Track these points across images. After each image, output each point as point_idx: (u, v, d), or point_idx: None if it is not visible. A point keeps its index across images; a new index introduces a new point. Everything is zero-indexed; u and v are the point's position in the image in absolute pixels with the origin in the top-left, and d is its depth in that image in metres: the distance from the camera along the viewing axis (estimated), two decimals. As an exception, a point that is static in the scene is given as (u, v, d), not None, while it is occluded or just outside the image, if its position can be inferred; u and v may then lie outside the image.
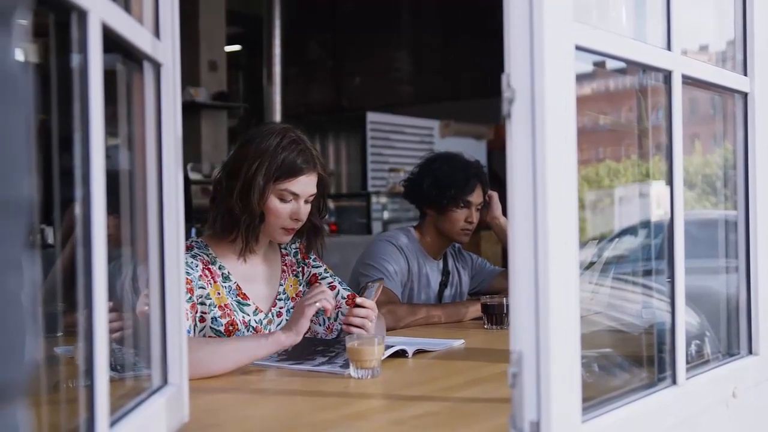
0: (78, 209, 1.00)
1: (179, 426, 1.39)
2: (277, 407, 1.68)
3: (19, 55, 0.62)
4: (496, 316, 2.63)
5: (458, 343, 2.34)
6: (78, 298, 1.03)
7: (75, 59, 1.01)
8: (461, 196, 2.96)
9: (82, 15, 0.99)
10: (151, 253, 1.36)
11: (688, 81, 1.58)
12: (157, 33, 1.35)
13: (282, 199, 2.16)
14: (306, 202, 2.20)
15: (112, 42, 1.11)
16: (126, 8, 1.21)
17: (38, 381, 1.09)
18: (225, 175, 2.19)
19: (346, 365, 1.89)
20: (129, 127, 1.36)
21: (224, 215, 2.18)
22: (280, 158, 2.13)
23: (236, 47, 9.97)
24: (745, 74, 1.81)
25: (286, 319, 2.26)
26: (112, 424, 1.09)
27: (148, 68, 1.33)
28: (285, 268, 2.35)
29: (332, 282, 2.36)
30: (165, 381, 1.37)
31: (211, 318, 2.13)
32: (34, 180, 0.62)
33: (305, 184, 2.17)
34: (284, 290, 2.32)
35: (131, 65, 1.31)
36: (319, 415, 1.56)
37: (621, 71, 1.73)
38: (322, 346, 2.12)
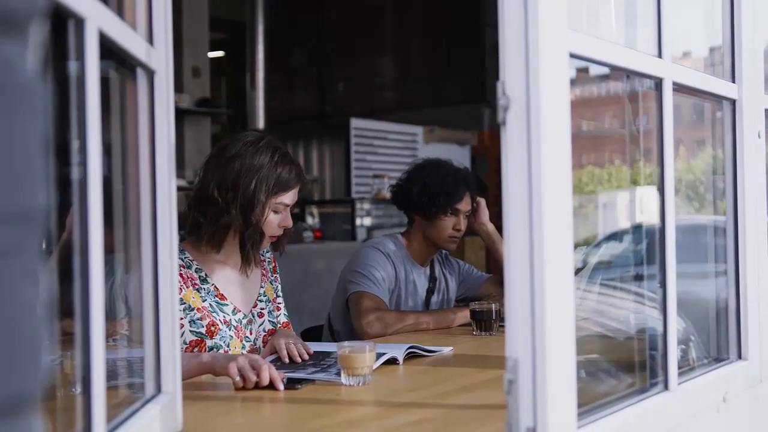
0: (75, 217, 1.00)
1: (173, 435, 1.38)
2: (271, 415, 1.67)
3: (34, 65, 0.61)
4: (485, 322, 2.63)
5: (448, 350, 2.34)
6: (68, 306, 1.02)
7: (71, 66, 1.01)
8: (450, 204, 2.96)
9: (80, 22, 0.99)
10: (144, 261, 1.36)
11: (678, 88, 1.59)
12: (150, 40, 1.34)
13: (275, 211, 2.26)
14: (290, 209, 2.32)
15: (107, 49, 1.10)
16: (119, 14, 1.20)
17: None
18: (217, 188, 2.20)
19: (340, 374, 1.88)
20: (122, 134, 1.36)
21: (223, 230, 2.23)
22: (276, 174, 2.23)
23: (219, 53, 9.96)
24: (733, 81, 1.82)
25: (268, 320, 2.36)
26: (108, 433, 1.08)
27: (141, 75, 1.33)
28: (264, 272, 2.43)
29: (280, 303, 2.47)
30: (159, 389, 1.36)
31: (190, 321, 2.17)
32: (49, 189, 0.62)
33: (295, 195, 2.30)
34: (264, 293, 2.40)
35: (124, 72, 1.31)
36: (312, 423, 1.56)
37: (603, 77, 1.74)
38: (312, 360, 2.11)
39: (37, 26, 0.63)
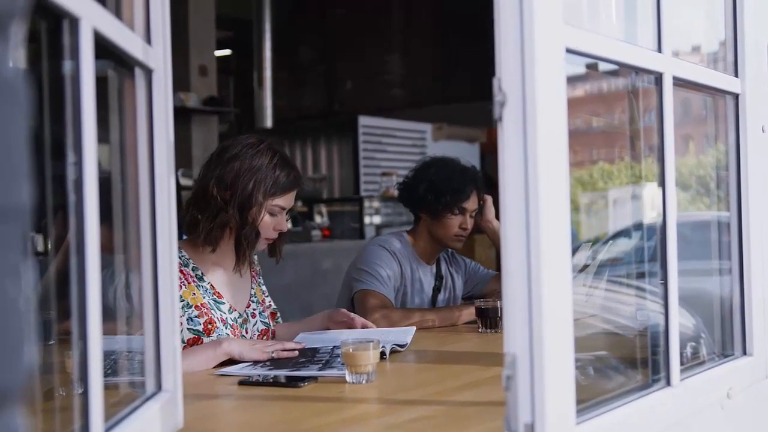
0: (71, 216, 1.00)
1: (174, 433, 1.39)
2: (273, 413, 1.68)
3: (16, 63, 0.62)
4: (490, 319, 2.62)
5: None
6: (71, 306, 1.03)
7: (67, 65, 1.01)
8: (456, 203, 2.95)
9: (74, 22, 0.99)
10: (144, 260, 1.36)
11: (679, 83, 1.58)
12: (148, 39, 1.34)
13: (271, 214, 2.30)
14: (287, 213, 2.36)
15: (103, 48, 1.10)
16: (117, 14, 1.21)
17: (33, 388, 1.09)
18: (215, 187, 2.24)
19: (343, 368, 1.88)
20: (120, 133, 1.36)
21: (219, 228, 2.26)
22: (274, 176, 2.26)
23: (226, 51, 9.96)
24: (736, 75, 1.81)
25: (260, 321, 2.41)
26: (107, 430, 1.08)
27: (139, 74, 1.33)
28: (254, 274, 2.48)
29: (270, 301, 2.52)
30: (159, 387, 1.37)
31: (188, 319, 2.20)
32: (32, 187, 0.63)
33: (291, 199, 2.34)
34: (254, 294, 2.44)
35: (122, 71, 1.31)
36: (315, 420, 1.56)
37: (613, 73, 1.73)
38: (304, 358, 2.10)
39: (19, 25, 0.63)
